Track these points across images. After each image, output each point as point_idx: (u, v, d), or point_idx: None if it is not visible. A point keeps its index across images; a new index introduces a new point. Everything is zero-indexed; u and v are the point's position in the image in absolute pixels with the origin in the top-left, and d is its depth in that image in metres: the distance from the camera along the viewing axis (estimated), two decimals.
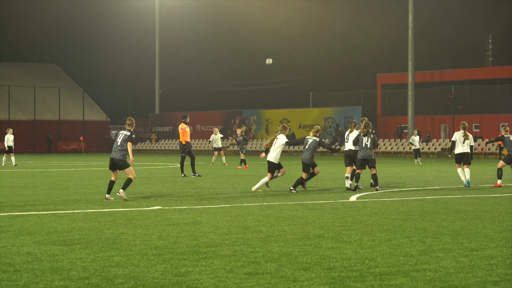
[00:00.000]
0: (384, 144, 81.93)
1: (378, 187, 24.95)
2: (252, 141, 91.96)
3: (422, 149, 73.37)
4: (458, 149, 27.09)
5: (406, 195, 23.41)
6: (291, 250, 11.79)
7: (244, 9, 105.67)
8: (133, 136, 21.22)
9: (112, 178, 21.04)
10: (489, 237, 13.25)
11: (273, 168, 24.59)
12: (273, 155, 24.62)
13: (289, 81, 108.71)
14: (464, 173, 26.80)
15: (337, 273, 9.92)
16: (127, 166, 20.89)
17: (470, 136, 27.07)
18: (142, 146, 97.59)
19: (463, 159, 26.99)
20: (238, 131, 43.56)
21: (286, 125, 26.06)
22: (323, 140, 25.67)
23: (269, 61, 27.39)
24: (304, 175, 24.77)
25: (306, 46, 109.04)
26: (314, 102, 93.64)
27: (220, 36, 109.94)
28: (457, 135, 27.16)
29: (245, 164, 42.73)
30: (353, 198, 21.90)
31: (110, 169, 21.18)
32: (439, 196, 22.81)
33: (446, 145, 77.86)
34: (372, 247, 12.16)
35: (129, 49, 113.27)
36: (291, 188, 24.37)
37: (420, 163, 51.95)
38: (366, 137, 24.91)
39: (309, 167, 24.76)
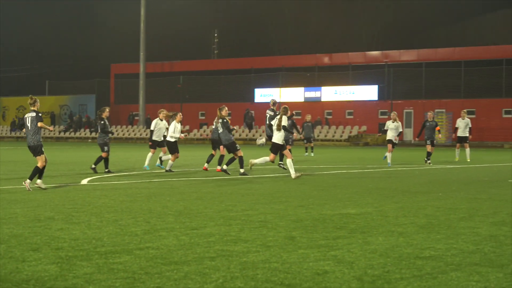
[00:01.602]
0: (117, 131, 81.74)
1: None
2: None
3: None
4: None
5: (135, 178, 23.50)
6: (21, 232, 11.51)
7: None
8: (40, 114, 18.95)
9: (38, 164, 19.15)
10: (209, 217, 13.55)
11: (277, 149, 24.20)
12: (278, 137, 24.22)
13: (26, 69, 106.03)
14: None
15: (64, 253, 9.80)
16: (41, 152, 18.90)
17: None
18: None
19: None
20: None
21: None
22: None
23: (261, 141, 26.71)
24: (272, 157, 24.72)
25: (43, 35, 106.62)
26: (50, 90, 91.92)
27: None
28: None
29: None
30: (85, 181, 21.71)
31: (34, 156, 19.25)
32: (166, 179, 23.06)
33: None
34: (99, 227, 12.11)
35: None
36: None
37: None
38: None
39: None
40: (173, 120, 26.93)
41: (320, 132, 72.96)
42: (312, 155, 42.41)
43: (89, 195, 17.56)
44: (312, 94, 78.30)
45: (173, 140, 26.97)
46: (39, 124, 18.82)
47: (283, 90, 78.79)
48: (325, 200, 16.62)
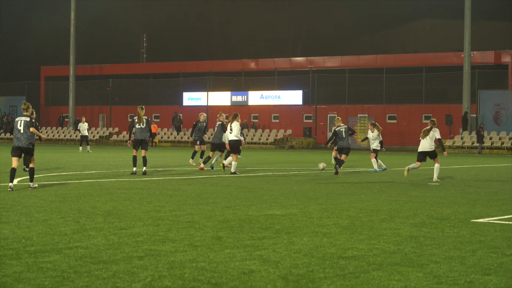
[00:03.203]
0: (47, 132, 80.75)
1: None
2: None
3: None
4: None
5: (65, 178, 23.21)
6: None
7: None
8: (33, 121, 18.86)
9: (14, 166, 18.83)
10: (138, 217, 13.47)
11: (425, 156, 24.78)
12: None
13: None
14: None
15: None
16: (33, 154, 18.86)
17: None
18: None
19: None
20: None
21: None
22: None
23: (323, 165, 28.42)
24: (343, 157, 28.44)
25: None
26: None
27: None
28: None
29: None
30: (15, 182, 21.35)
31: (13, 156, 18.83)
32: (95, 180, 22.85)
33: (104, 133, 78.48)
34: (29, 227, 11.94)
35: None
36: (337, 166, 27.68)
37: (90, 151, 49.35)
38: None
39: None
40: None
41: (246, 135, 73.08)
42: (240, 157, 42.48)
43: (19, 195, 17.30)
44: (239, 98, 78.40)
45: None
46: (31, 129, 18.80)
47: (210, 94, 78.75)
48: (251, 201, 16.66)
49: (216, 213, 14.19)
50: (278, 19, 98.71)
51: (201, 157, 30.41)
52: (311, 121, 74.94)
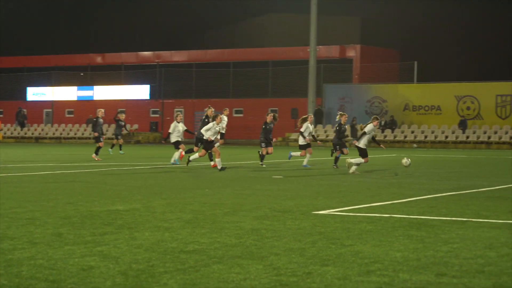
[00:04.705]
0: None
1: None
2: None
3: None
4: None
5: None
6: None
7: None
8: None
9: None
10: None
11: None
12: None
13: None
14: None
15: None
16: None
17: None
18: None
19: None
20: None
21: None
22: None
23: (406, 162, 26.31)
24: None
25: None
26: None
27: None
28: None
29: None
30: None
31: None
32: None
33: None
34: None
35: None
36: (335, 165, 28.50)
37: None
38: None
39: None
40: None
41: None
42: (122, 153, 42.47)
43: None
44: (84, 93, 77.44)
45: None
46: None
47: (55, 89, 77.40)
48: (94, 197, 16.49)
49: (58, 210, 13.97)
50: (126, 13, 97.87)
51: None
52: (157, 115, 74.77)
